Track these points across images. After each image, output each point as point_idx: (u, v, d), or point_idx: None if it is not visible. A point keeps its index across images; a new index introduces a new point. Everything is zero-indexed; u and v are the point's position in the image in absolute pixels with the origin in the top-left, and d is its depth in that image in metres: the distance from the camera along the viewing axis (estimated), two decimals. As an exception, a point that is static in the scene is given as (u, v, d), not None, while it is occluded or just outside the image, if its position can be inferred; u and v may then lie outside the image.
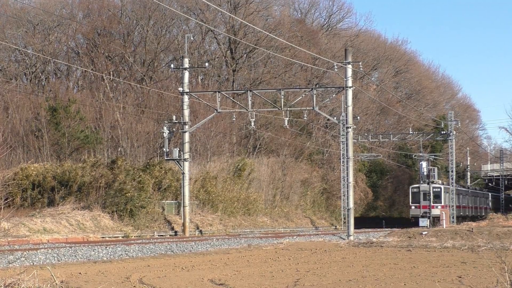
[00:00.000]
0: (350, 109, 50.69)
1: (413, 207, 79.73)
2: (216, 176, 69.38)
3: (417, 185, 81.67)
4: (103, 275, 23.58)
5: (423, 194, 79.73)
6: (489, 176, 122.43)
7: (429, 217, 78.09)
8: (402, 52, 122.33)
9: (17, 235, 44.23)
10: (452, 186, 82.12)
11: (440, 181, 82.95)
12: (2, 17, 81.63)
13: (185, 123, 56.77)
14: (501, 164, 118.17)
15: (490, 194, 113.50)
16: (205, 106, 67.47)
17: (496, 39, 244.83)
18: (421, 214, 78.39)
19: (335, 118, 68.64)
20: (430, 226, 71.32)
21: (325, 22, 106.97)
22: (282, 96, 56.33)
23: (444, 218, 75.00)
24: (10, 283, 18.63)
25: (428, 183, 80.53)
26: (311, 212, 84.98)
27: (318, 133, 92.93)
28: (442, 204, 79.16)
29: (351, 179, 50.74)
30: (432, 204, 79.08)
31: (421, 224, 73.87)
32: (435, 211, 78.93)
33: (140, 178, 57.90)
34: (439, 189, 79.99)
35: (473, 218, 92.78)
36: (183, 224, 56.94)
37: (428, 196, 79.36)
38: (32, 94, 72.60)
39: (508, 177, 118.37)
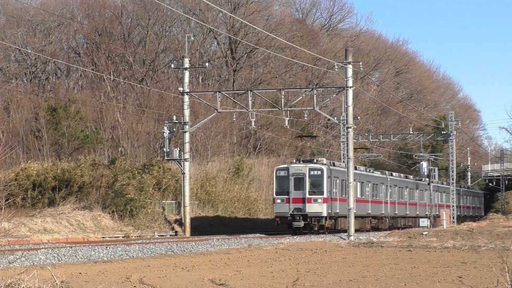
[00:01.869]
0: (350, 109, 50.67)
1: (278, 201, 53.60)
2: (216, 176, 69.37)
3: (284, 166, 56.33)
4: (104, 275, 23.57)
5: (295, 180, 53.86)
6: (490, 176, 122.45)
7: (429, 217, 77.29)
8: (402, 52, 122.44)
9: (18, 235, 44.24)
10: (453, 186, 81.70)
11: (325, 159, 58.15)
12: (2, 17, 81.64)
13: (185, 123, 56.76)
14: (502, 164, 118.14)
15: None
16: (206, 106, 67.45)
17: (497, 40, 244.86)
18: (290, 212, 52.80)
19: (335, 118, 68.59)
20: (430, 226, 70.89)
21: (326, 22, 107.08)
22: (283, 96, 56.32)
23: (444, 218, 74.09)
24: (11, 283, 18.63)
25: (302, 161, 56.29)
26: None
27: (318, 133, 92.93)
28: (325, 196, 53.55)
29: (351, 179, 50.70)
30: (308, 196, 53.40)
31: (421, 224, 73.11)
32: (313, 207, 53.43)
33: (140, 178, 57.87)
34: (319, 172, 53.99)
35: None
36: (183, 224, 56.91)
37: (303, 183, 53.68)
38: (32, 94, 72.63)
39: (509, 177, 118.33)
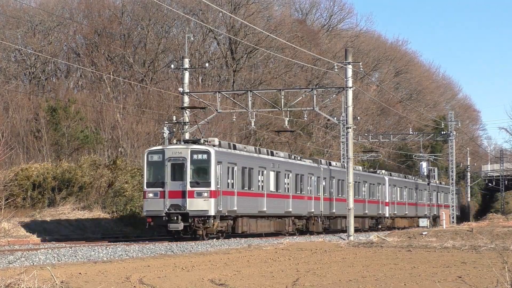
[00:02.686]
0: (350, 109, 50.69)
1: (150, 196, 42.11)
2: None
3: (159, 148, 44.52)
4: (103, 275, 23.57)
5: (173, 167, 42.37)
6: (489, 177, 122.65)
7: (428, 217, 77.01)
8: (402, 52, 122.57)
9: (18, 235, 44.29)
10: (453, 186, 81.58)
11: (217, 139, 45.37)
12: (2, 17, 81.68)
13: (185, 123, 56.76)
14: (501, 165, 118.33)
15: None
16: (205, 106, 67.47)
17: (497, 40, 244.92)
18: (166, 211, 41.45)
19: (335, 118, 68.61)
20: (430, 226, 70.77)
21: (325, 23, 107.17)
22: (282, 97, 56.31)
23: (444, 218, 73.92)
24: (10, 283, 18.65)
25: (183, 142, 44.45)
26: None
27: (318, 134, 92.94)
28: (213, 188, 41.88)
29: (351, 179, 50.70)
30: (189, 188, 41.72)
31: (421, 224, 73.00)
32: (197, 204, 41.70)
33: (140, 178, 57.90)
34: (205, 156, 42.29)
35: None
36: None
37: (183, 171, 41.85)
38: (32, 94, 72.66)
39: (508, 177, 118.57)
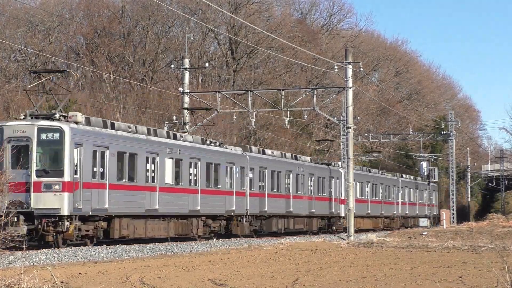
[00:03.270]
0: (350, 109, 50.71)
1: None
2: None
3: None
4: (104, 275, 23.58)
5: (14, 150, 32.31)
6: (490, 177, 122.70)
7: (429, 217, 76.90)
8: (402, 52, 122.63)
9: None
10: (452, 186, 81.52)
11: (80, 114, 34.72)
12: (2, 17, 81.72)
13: (185, 123, 56.80)
14: (501, 165, 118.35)
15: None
16: (206, 106, 67.48)
17: (497, 40, 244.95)
18: (5, 207, 29.79)
19: (335, 118, 68.62)
20: (430, 226, 70.72)
21: (325, 23, 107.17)
22: (283, 97, 56.31)
23: (444, 218, 73.85)
24: (11, 283, 18.65)
25: (31, 117, 33.16)
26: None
27: (318, 133, 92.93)
28: (66, 178, 32.08)
29: (351, 179, 50.71)
30: (35, 179, 31.97)
31: (421, 224, 72.98)
32: (45, 199, 31.94)
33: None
34: (57, 136, 32.28)
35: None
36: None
37: (28, 156, 31.93)
38: (32, 94, 72.63)
39: (508, 177, 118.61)
